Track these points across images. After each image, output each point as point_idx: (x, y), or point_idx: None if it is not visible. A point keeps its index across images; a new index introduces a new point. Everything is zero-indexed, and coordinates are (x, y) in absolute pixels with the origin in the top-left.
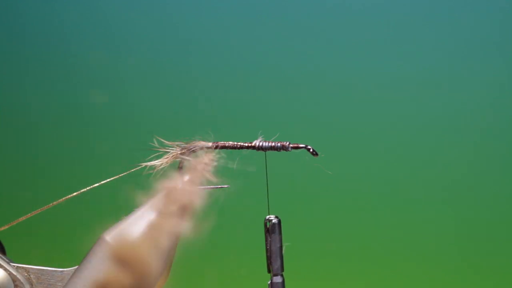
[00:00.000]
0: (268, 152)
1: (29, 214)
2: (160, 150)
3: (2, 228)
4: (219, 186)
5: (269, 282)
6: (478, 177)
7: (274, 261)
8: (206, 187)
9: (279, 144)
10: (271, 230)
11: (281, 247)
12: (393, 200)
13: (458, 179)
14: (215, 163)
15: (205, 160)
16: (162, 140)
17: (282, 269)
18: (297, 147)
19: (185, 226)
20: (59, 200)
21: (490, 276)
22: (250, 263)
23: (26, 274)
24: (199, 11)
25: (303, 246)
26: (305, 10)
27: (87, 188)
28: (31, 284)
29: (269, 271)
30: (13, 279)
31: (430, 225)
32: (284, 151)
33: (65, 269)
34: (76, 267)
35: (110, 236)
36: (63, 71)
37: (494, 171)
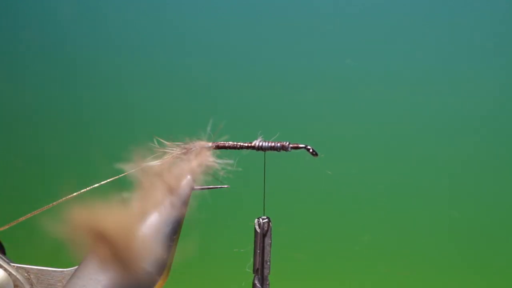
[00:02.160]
0: (267, 152)
1: (29, 214)
2: (160, 150)
3: (2, 228)
4: (219, 186)
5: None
6: (477, 177)
7: (259, 262)
8: (206, 187)
9: (278, 144)
10: (260, 231)
11: (269, 248)
12: (393, 200)
13: (457, 179)
14: (212, 163)
15: (202, 160)
16: (162, 141)
17: (268, 271)
18: (297, 147)
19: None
20: (59, 201)
21: (489, 276)
22: (243, 263)
23: (26, 274)
24: (199, 11)
25: (303, 246)
26: (305, 10)
27: (87, 188)
28: (31, 284)
29: (253, 272)
30: (13, 279)
31: (430, 225)
32: (284, 151)
33: (65, 269)
34: (76, 267)
35: None
36: (63, 71)
37: (493, 171)
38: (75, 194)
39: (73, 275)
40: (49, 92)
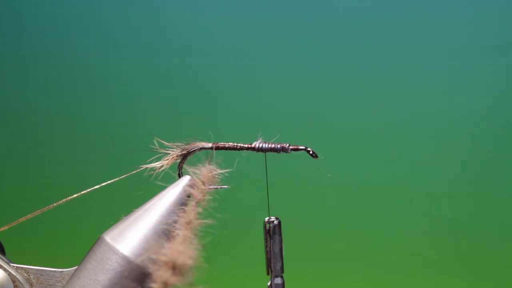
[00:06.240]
0: (268, 153)
1: (29, 214)
2: (160, 151)
3: (2, 228)
4: (220, 186)
5: (269, 284)
6: (477, 177)
7: (275, 263)
8: (206, 187)
9: (279, 146)
10: (272, 231)
11: (281, 248)
12: (393, 200)
13: (457, 180)
14: (215, 175)
15: (205, 173)
16: (162, 142)
17: (282, 271)
18: (297, 149)
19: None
20: (59, 202)
21: (487, 276)
22: (248, 264)
23: (25, 275)
24: (199, 11)
25: (304, 247)
26: (305, 10)
27: (88, 190)
28: (30, 284)
29: (268, 273)
30: (13, 279)
31: (430, 226)
32: (284, 153)
33: (65, 269)
34: (76, 267)
35: (110, 236)
36: (63, 71)
37: (492, 172)
38: (75, 195)
39: (73, 275)
40: (49, 92)
